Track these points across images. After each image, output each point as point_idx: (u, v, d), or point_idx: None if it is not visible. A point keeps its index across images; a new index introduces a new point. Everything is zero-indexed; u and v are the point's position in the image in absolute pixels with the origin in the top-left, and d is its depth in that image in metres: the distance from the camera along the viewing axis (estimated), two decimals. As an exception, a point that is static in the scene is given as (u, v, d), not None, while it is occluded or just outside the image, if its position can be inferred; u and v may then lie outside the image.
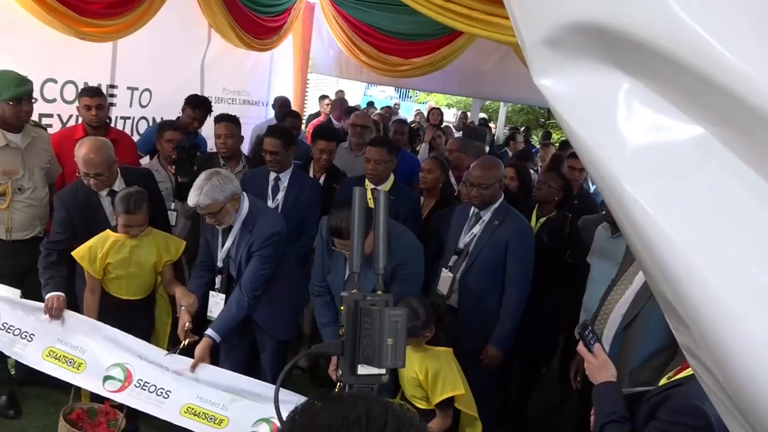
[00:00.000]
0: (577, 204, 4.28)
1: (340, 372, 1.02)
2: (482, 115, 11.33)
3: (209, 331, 2.95)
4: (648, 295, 2.39)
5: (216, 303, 3.18)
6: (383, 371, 1.01)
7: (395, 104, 13.48)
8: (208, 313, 3.19)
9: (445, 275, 3.27)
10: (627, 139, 0.82)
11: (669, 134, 0.82)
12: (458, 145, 5.16)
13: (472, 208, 3.26)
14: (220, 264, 3.17)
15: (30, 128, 3.42)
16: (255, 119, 6.30)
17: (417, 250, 2.88)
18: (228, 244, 3.09)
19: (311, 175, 4.24)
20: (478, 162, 3.37)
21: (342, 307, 1.08)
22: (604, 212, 3.57)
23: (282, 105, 6.32)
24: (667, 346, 2.29)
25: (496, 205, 3.22)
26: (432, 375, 2.52)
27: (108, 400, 3.07)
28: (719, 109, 0.76)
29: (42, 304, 3.05)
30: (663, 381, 1.80)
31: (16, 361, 3.69)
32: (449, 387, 2.52)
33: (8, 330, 3.00)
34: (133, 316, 3.20)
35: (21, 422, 3.48)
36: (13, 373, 3.70)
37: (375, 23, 6.41)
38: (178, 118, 4.61)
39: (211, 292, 3.22)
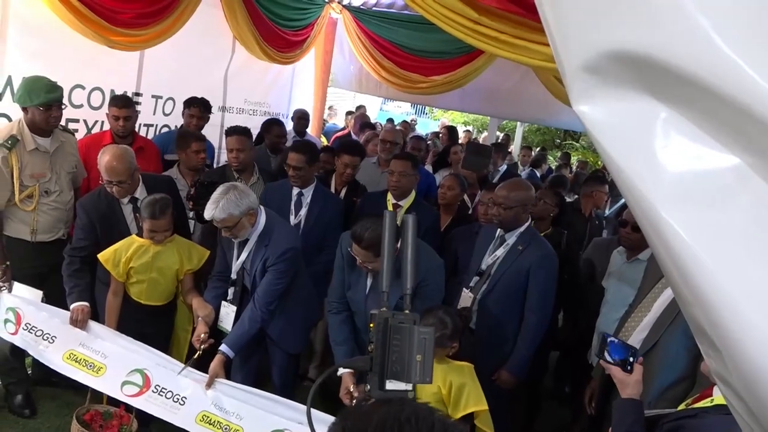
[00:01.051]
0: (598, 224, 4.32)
1: (368, 387, 1.04)
2: (499, 134, 11.37)
3: (223, 347, 2.96)
4: (667, 323, 2.38)
5: (227, 314, 3.20)
6: (410, 387, 1.03)
7: (412, 120, 13.55)
8: (219, 323, 3.20)
9: (466, 295, 3.24)
10: (664, 167, 0.84)
11: (705, 163, 0.83)
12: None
13: (498, 230, 3.23)
14: (233, 276, 3.19)
15: (59, 133, 3.49)
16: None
17: (438, 268, 2.88)
18: (243, 256, 3.11)
19: (332, 188, 4.27)
20: (507, 182, 3.37)
21: (371, 324, 1.10)
22: (618, 237, 3.55)
23: (300, 117, 6.38)
24: (686, 376, 2.28)
25: (521, 229, 3.18)
26: (456, 389, 2.50)
27: (123, 404, 3.10)
28: (755, 141, 0.78)
29: (65, 312, 3.10)
30: (681, 407, 1.79)
31: (33, 361, 3.75)
32: (473, 402, 2.49)
33: (30, 330, 3.05)
34: (152, 322, 3.25)
35: (36, 422, 3.51)
36: (29, 372, 3.75)
37: (397, 40, 6.47)
38: (182, 126, 4.64)
39: (222, 303, 3.23)
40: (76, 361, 3.01)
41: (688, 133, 0.85)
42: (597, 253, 3.72)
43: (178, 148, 4.03)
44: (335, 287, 3.04)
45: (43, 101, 3.26)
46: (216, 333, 3.14)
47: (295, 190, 3.81)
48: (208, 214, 2.89)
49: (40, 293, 3.21)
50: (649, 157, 0.85)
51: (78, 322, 3.05)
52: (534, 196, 3.41)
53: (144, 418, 3.31)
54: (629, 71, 0.87)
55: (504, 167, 6.89)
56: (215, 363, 2.91)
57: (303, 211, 3.80)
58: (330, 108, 9.99)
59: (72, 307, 3.08)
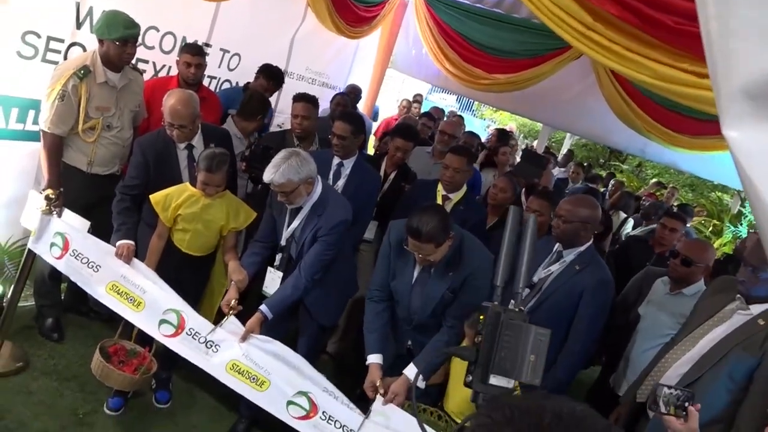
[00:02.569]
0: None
1: (470, 378, 1.02)
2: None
3: (263, 307, 2.99)
4: (713, 362, 2.33)
5: (272, 279, 3.20)
6: (511, 385, 1.01)
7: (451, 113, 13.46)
8: (264, 289, 3.22)
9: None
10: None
11: None
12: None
13: (557, 244, 3.09)
14: (282, 243, 3.19)
15: (128, 70, 3.52)
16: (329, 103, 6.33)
17: (490, 263, 2.80)
18: (294, 224, 3.11)
19: (383, 170, 4.24)
20: (574, 196, 3.26)
21: (482, 317, 1.08)
22: (668, 269, 3.47)
23: (351, 92, 6.33)
24: (722, 418, 2.23)
25: (581, 248, 3.01)
26: None
27: (149, 345, 3.15)
28: None
29: (110, 246, 3.14)
30: None
31: (67, 288, 3.83)
32: None
33: (77, 257, 3.09)
34: (189, 269, 3.29)
35: (62, 347, 3.60)
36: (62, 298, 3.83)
37: (465, 33, 6.36)
38: (248, 84, 4.66)
39: (269, 268, 3.24)
40: (118, 293, 3.04)
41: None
42: (647, 282, 3.62)
43: (260, 114, 4.07)
44: (379, 276, 3.00)
45: (120, 36, 3.29)
46: (246, 298, 3.15)
47: (336, 160, 3.76)
48: (267, 176, 2.89)
49: (87, 223, 3.24)
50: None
51: (122, 258, 3.09)
52: (599, 218, 3.21)
53: (166, 363, 3.38)
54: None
55: (553, 179, 6.79)
56: (253, 320, 2.95)
57: (341, 182, 3.75)
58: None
59: (118, 243, 3.12)
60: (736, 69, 0.87)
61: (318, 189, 3.05)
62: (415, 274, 2.86)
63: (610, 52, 2.71)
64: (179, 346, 2.96)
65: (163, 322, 2.98)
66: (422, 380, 2.71)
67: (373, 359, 2.85)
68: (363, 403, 2.82)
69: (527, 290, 3.08)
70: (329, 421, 2.73)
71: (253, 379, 2.85)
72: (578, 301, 2.91)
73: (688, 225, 6.80)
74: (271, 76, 4.57)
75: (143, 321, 3.00)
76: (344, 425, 2.71)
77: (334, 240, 3.00)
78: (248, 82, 4.71)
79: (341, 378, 3.80)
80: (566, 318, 2.94)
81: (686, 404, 1.78)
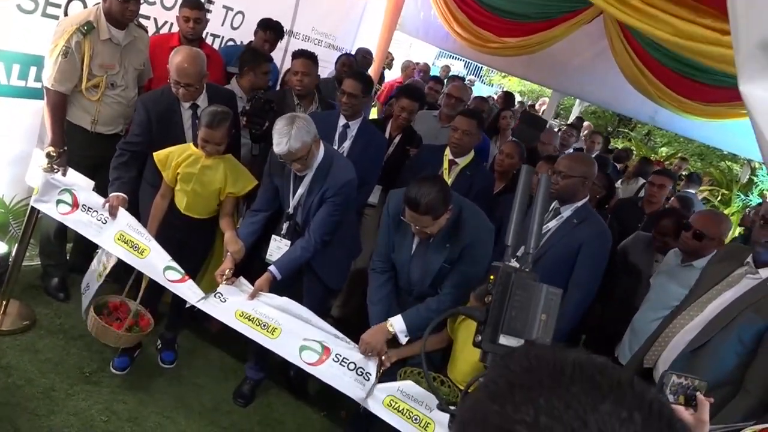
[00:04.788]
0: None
1: (479, 338, 1.01)
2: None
3: (272, 268, 2.99)
4: (721, 326, 2.32)
5: (278, 248, 3.16)
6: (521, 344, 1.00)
7: (470, 81, 13.26)
8: (267, 257, 3.17)
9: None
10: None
11: None
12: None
13: (554, 201, 3.12)
14: (290, 211, 3.13)
15: (133, 28, 3.46)
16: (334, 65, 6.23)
17: (489, 233, 2.80)
18: (301, 190, 3.05)
19: (388, 132, 4.18)
20: (571, 153, 3.30)
21: (492, 276, 1.07)
22: (680, 239, 3.44)
23: (364, 55, 6.24)
24: (731, 380, 2.24)
25: (578, 204, 3.07)
26: None
27: (151, 307, 3.16)
28: None
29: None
30: (748, 431, 1.73)
31: (72, 248, 3.85)
32: None
33: (87, 211, 3.10)
34: (191, 232, 3.26)
35: (68, 306, 3.62)
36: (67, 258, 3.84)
37: (475, -6, 6.23)
38: (250, 42, 4.60)
39: (273, 237, 3.19)
40: (124, 242, 3.04)
41: None
42: (635, 247, 3.64)
43: (248, 65, 3.97)
44: (380, 247, 2.97)
45: (122, -8, 3.21)
46: (264, 265, 3.13)
47: (342, 121, 3.68)
48: (282, 149, 2.79)
49: (92, 183, 3.23)
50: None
51: (112, 208, 3.06)
52: (595, 174, 3.28)
53: (172, 324, 3.41)
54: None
55: (571, 150, 6.70)
56: (262, 279, 2.96)
57: (346, 144, 3.68)
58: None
59: (110, 195, 3.10)
60: (758, 24, 0.82)
61: (321, 150, 3.01)
62: (414, 246, 2.84)
63: (628, 6, 2.59)
64: (186, 291, 2.97)
65: (168, 268, 2.99)
66: (405, 336, 2.73)
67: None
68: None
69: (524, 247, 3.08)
70: (342, 363, 2.74)
71: (264, 326, 2.87)
72: (576, 254, 2.98)
73: (693, 192, 6.74)
74: (269, 27, 4.46)
75: (148, 267, 3.00)
76: (360, 367, 2.73)
77: (342, 200, 2.97)
78: (251, 41, 4.64)
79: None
80: (565, 271, 2.99)
81: (697, 394, 1.69)
